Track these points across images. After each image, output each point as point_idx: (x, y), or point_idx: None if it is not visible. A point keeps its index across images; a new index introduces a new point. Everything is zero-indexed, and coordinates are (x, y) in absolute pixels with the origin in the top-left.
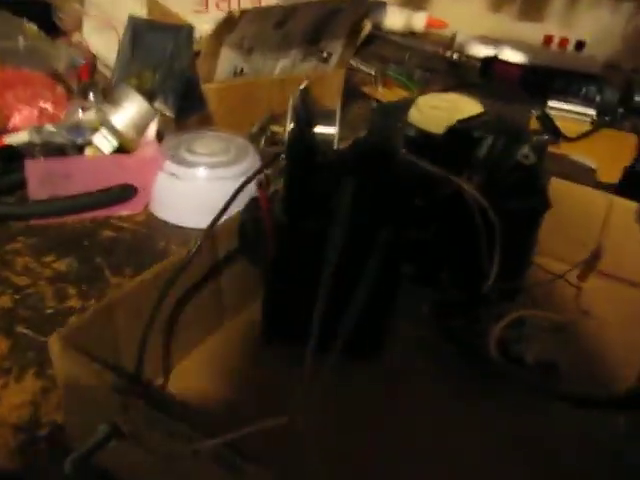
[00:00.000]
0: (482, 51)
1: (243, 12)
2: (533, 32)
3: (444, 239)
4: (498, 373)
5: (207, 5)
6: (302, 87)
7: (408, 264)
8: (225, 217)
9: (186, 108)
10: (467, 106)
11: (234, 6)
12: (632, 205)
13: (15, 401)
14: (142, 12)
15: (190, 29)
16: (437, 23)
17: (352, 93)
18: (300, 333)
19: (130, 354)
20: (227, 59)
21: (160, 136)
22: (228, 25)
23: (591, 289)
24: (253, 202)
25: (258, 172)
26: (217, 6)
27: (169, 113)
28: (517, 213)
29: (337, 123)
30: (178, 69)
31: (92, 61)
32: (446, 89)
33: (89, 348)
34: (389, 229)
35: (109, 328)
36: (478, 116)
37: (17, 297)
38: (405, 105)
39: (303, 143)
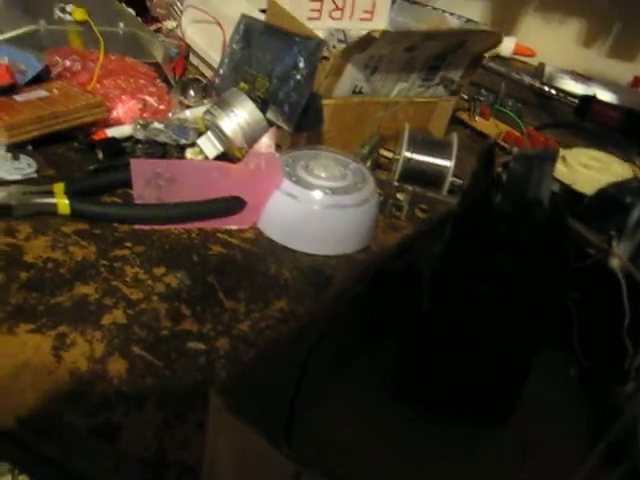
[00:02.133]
0: (571, 86)
1: (384, 33)
2: (622, 71)
3: (583, 305)
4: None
5: (321, 13)
6: (489, 143)
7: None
8: None
9: (303, 123)
10: (618, 168)
11: (347, 17)
12: None
13: (139, 433)
14: (252, 12)
15: (321, 42)
16: (525, 51)
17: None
18: (433, 392)
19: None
20: (350, 77)
21: (273, 148)
22: (363, 44)
23: None
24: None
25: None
26: (330, 15)
27: (285, 126)
28: None
29: (454, 153)
30: (300, 81)
31: (186, 53)
32: (542, 127)
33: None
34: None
35: (259, 381)
36: (630, 181)
37: (130, 312)
38: (552, 157)
39: (478, 210)
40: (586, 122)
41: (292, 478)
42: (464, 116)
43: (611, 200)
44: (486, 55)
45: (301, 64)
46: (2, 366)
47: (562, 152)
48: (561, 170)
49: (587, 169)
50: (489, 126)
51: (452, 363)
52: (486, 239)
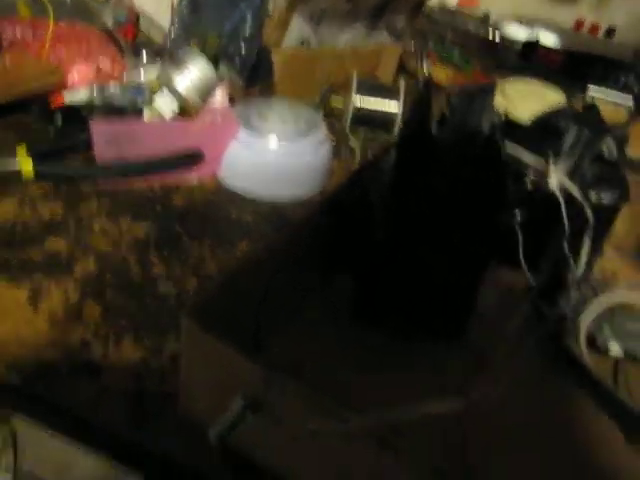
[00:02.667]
0: (516, 32)
1: None
2: (565, 15)
3: (529, 226)
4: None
5: None
6: (425, 80)
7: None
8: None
9: (253, 75)
10: (552, 96)
11: None
12: None
13: (118, 369)
14: None
15: None
16: (469, 1)
17: (401, 68)
18: (388, 314)
19: (244, 325)
20: (297, 29)
21: (227, 102)
22: None
23: None
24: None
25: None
26: None
27: (236, 79)
28: (600, 205)
29: (401, 97)
30: (248, 35)
31: (135, 19)
32: (489, 70)
33: (211, 324)
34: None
35: (229, 304)
36: (564, 107)
37: (101, 262)
38: (491, 90)
39: (417, 139)
40: (530, 65)
41: (262, 382)
42: (412, 65)
43: (547, 126)
44: (432, 6)
45: (248, 19)
46: None
47: (500, 85)
48: (500, 102)
49: (524, 99)
50: (437, 73)
51: (406, 285)
52: (428, 166)
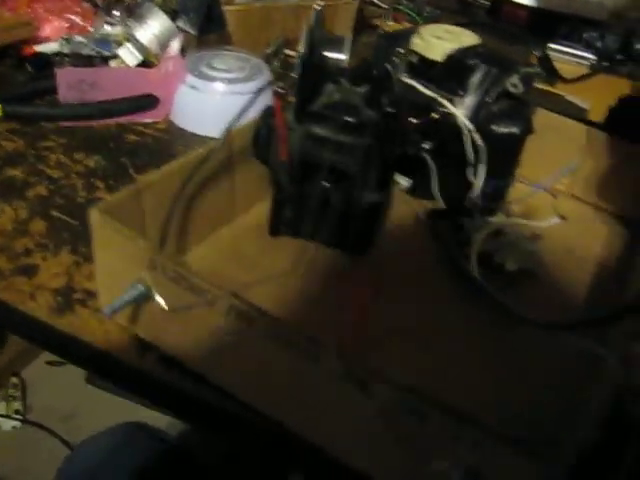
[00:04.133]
0: None
1: None
2: None
3: (437, 156)
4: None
5: None
6: (318, 9)
7: (406, 178)
8: (241, 124)
9: (207, 27)
10: (467, 38)
11: None
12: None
13: (53, 270)
14: None
15: None
16: None
17: (363, 25)
18: (301, 228)
19: (153, 235)
20: None
21: (183, 52)
22: None
23: (566, 205)
24: (268, 110)
25: (273, 82)
26: None
27: (191, 31)
28: (502, 136)
29: (347, 49)
30: None
31: None
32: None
33: (121, 222)
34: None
35: (137, 208)
36: (474, 47)
37: (52, 187)
38: (408, 33)
39: (315, 58)
40: (498, 22)
41: (150, 265)
42: (378, 22)
43: (457, 63)
44: None
45: None
46: None
47: (419, 29)
48: (417, 43)
49: (439, 40)
50: (400, 28)
51: (313, 206)
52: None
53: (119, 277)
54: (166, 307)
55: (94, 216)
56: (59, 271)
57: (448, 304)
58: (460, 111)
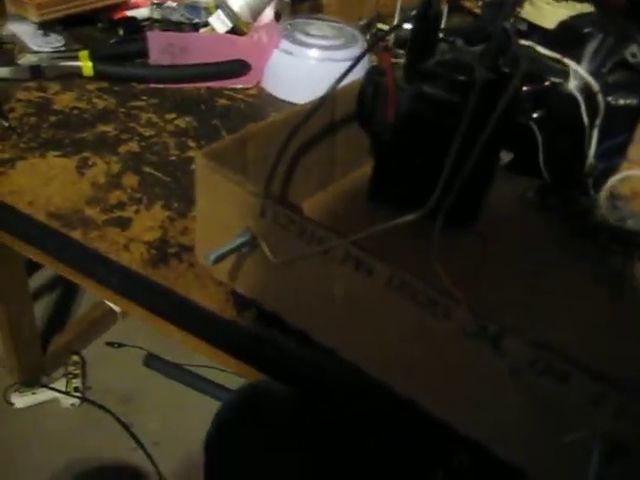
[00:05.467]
0: None
1: None
2: None
3: (545, 127)
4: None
5: None
6: None
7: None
8: (345, 84)
9: None
10: (579, 5)
11: None
12: None
13: (147, 224)
14: None
15: None
16: None
17: (454, 8)
18: (404, 196)
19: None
20: None
21: (276, 19)
22: None
23: None
24: (375, 69)
25: (373, 45)
26: None
27: None
28: (618, 108)
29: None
30: None
31: None
32: None
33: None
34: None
35: (241, 158)
36: (590, 14)
37: (143, 144)
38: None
39: (430, 14)
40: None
41: (259, 212)
42: (468, 3)
43: (571, 31)
44: None
45: None
46: (35, 179)
47: None
48: (528, 10)
49: (551, 5)
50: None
51: (417, 171)
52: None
53: (221, 224)
54: (272, 258)
55: (200, 160)
56: (153, 225)
57: (562, 275)
58: (574, 82)
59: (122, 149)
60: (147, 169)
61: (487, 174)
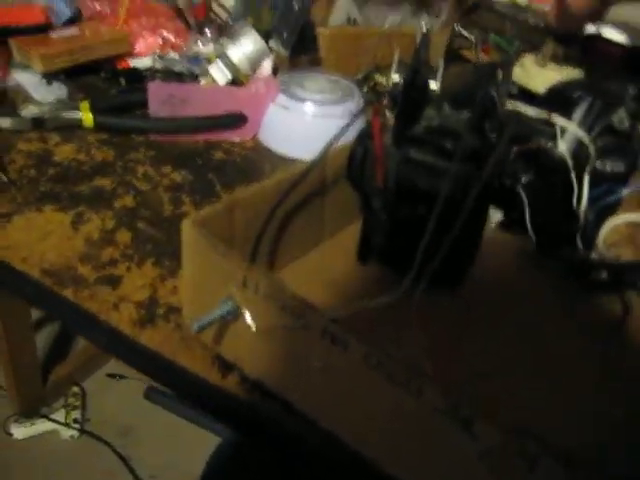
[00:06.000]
0: (585, 29)
1: None
2: (638, 13)
3: (533, 189)
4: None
5: None
6: (424, 32)
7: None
8: (336, 146)
9: (299, 49)
10: (570, 70)
11: None
12: None
13: (137, 283)
14: None
15: None
16: None
17: (453, 56)
18: (393, 257)
19: (241, 253)
20: (343, 7)
21: (274, 72)
22: None
23: None
24: (365, 133)
25: (369, 103)
26: None
27: (283, 52)
28: (606, 173)
29: (439, 77)
30: (295, 12)
31: (208, 1)
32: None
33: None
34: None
35: (229, 223)
36: (579, 79)
37: (138, 199)
38: (509, 62)
39: (418, 80)
40: (589, 58)
41: (241, 281)
42: (466, 53)
43: (560, 95)
44: (503, 1)
45: None
46: (31, 234)
47: (521, 59)
48: (518, 73)
49: (540, 69)
50: (489, 59)
51: (406, 234)
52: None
53: (206, 292)
54: (254, 327)
55: (186, 228)
56: (143, 283)
57: (548, 341)
58: (563, 144)
59: (117, 204)
60: (141, 225)
61: (472, 238)
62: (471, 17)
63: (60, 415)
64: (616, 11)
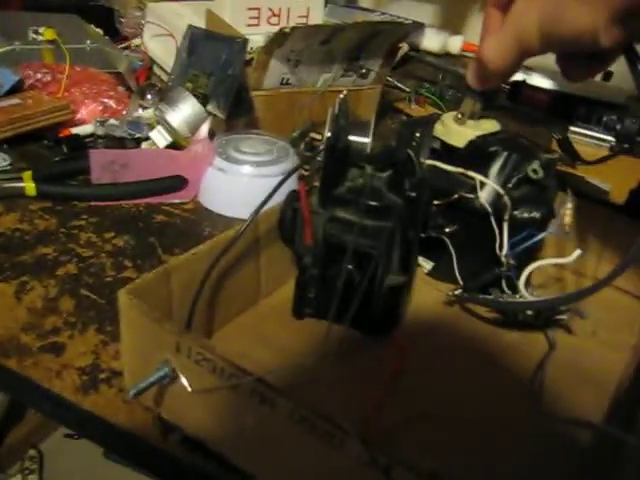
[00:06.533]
0: (514, 77)
1: (294, 29)
2: None
3: (458, 238)
4: None
5: (259, 20)
6: (341, 96)
7: (428, 260)
8: (267, 207)
9: (236, 111)
10: (488, 124)
11: (284, 22)
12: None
13: (80, 349)
14: (200, 23)
15: (244, 41)
16: (472, 47)
17: (387, 109)
18: (325, 310)
19: (179, 316)
20: (275, 70)
21: (211, 135)
22: (279, 40)
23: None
24: (293, 194)
25: (299, 167)
26: (268, 21)
27: (220, 115)
28: (523, 221)
29: (370, 133)
30: (231, 76)
31: (149, 65)
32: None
33: (148, 303)
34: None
35: (165, 290)
36: (496, 133)
37: (81, 266)
38: (432, 120)
39: (340, 144)
40: (518, 105)
41: (175, 347)
42: (401, 105)
43: (478, 150)
44: (430, 51)
45: (229, 60)
46: None
47: (443, 116)
48: (439, 129)
49: (460, 127)
50: (423, 112)
51: (336, 287)
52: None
53: (145, 358)
54: (190, 389)
55: (122, 298)
56: (85, 350)
57: (479, 384)
58: (483, 195)
59: (60, 271)
60: (83, 291)
61: (401, 287)
62: (406, 67)
63: None
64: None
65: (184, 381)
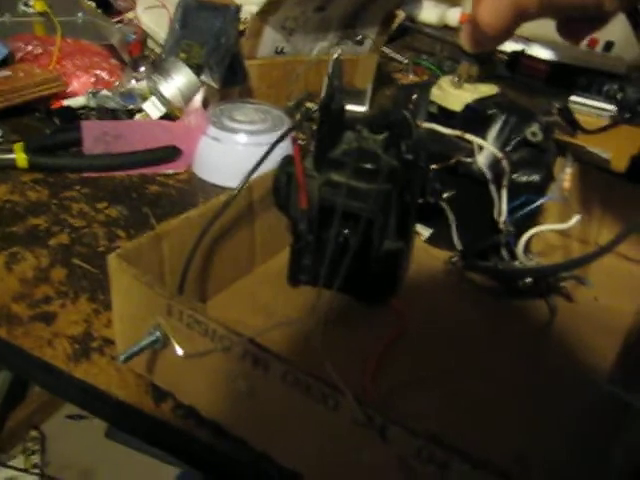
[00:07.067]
0: (512, 47)
1: None
2: None
3: (456, 204)
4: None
5: None
6: (335, 57)
7: (427, 227)
8: (262, 173)
9: (229, 81)
10: (485, 88)
11: None
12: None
13: (71, 318)
14: None
15: (237, 9)
16: None
17: (384, 79)
18: (320, 276)
19: (171, 282)
20: (270, 39)
21: (205, 105)
22: (272, 7)
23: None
24: (287, 159)
25: (292, 129)
26: None
27: (214, 85)
28: (522, 184)
29: (367, 101)
30: (224, 45)
31: (143, 37)
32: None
33: (139, 268)
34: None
35: (156, 255)
36: (493, 96)
37: (73, 236)
38: (428, 84)
39: (334, 105)
40: (516, 75)
41: (166, 311)
42: (399, 76)
43: (476, 113)
44: (429, 23)
45: (223, 30)
46: None
47: (439, 80)
48: (436, 93)
49: (457, 90)
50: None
51: (331, 252)
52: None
53: (136, 323)
54: (181, 353)
55: (112, 262)
56: (77, 319)
57: (478, 350)
58: (481, 159)
59: (52, 242)
60: (75, 261)
61: (398, 253)
62: (404, 39)
63: (19, 461)
64: (541, 28)
65: (176, 345)
